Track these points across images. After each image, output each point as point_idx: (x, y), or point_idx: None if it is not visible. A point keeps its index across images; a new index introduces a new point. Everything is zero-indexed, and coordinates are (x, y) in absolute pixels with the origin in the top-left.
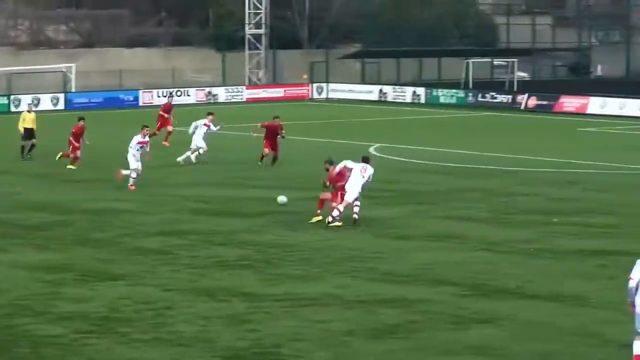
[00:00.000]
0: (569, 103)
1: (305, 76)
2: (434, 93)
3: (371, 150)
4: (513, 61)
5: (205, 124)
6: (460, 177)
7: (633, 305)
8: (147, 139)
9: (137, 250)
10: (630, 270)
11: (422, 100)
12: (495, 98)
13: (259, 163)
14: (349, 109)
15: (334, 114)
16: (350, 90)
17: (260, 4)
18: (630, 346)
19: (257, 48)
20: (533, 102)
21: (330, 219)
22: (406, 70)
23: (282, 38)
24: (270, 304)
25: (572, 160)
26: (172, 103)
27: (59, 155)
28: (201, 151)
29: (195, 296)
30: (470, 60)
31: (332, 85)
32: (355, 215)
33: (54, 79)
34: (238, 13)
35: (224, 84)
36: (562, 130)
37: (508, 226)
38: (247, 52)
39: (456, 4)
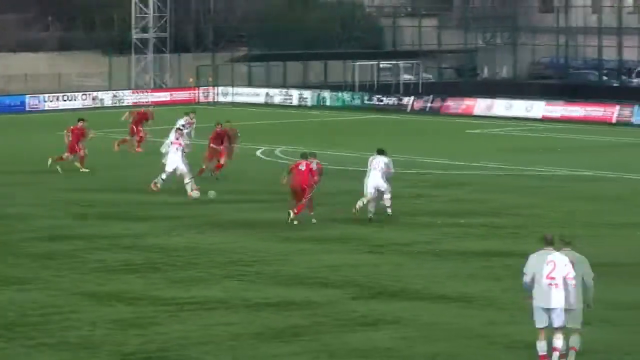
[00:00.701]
0: (456, 105)
1: (191, 80)
2: (321, 96)
3: (257, 153)
4: (399, 64)
5: (189, 122)
6: (346, 179)
7: (531, 298)
8: (180, 140)
9: (23, 255)
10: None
11: (309, 103)
12: (382, 100)
13: (215, 175)
14: (236, 113)
15: (220, 118)
16: (236, 94)
17: (147, 8)
18: (534, 347)
19: (143, 52)
20: (419, 104)
21: (370, 215)
22: (293, 74)
23: (169, 42)
24: (156, 308)
25: (458, 162)
26: (149, 111)
27: (51, 160)
28: (187, 149)
29: (80, 301)
30: (357, 63)
31: (218, 89)
32: (389, 210)
33: None
34: (125, 17)
35: (110, 88)
36: (449, 132)
37: (393, 228)
38: (133, 56)
39: (342, 7)
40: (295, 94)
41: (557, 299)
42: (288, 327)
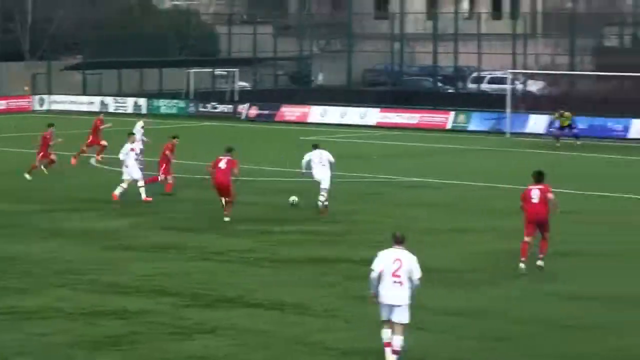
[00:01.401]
0: (290, 112)
1: (26, 88)
2: (155, 103)
3: (92, 162)
4: (234, 71)
5: (142, 127)
6: (181, 188)
7: (376, 296)
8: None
9: None
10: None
11: (144, 111)
12: (217, 108)
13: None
14: (70, 121)
15: (55, 126)
16: (72, 102)
17: None
18: (370, 352)
19: None
20: (254, 111)
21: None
22: (128, 81)
23: (3, 49)
24: None
25: (293, 169)
26: (102, 119)
27: (28, 174)
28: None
29: None
30: (192, 71)
31: (53, 97)
32: (323, 203)
33: None
34: None
35: None
36: (284, 139)
37: (228, 235)
38: None
39: (178, 15)
40: (130, 101)
41: (400, 297)
42: (125, 334)
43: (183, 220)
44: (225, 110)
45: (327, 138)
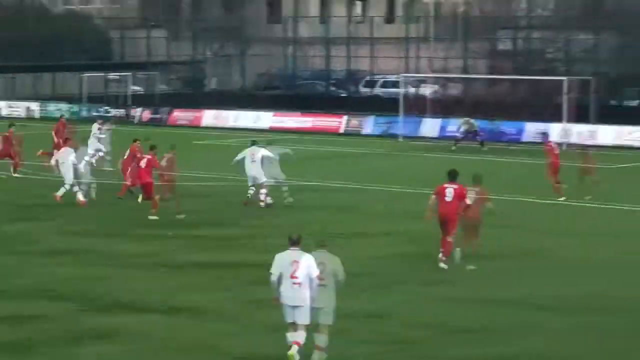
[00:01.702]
0: (183, 116)
1: None
2: (49, 108)
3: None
4: (127, 75)
5: (99, 128)
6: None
7: (278, 298)
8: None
9: None
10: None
11: (37, 115)
12: (109, 112)
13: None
14: None
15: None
16: None
17: None
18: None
19: None
20: (147, 115)
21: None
22: (22, 86)
23: None
24: None
25: (187, 173)
26: (65, 121)
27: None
28: (101, 154)
29: None
30: (85, 75)
31: None
32: (261, 203)
33: None
34: None
35: None
36: (177, 143)
37: (127, 240)
38: None
39: (71, 19)
40: (22, 106)
41: (300, 298)
42: (19, 340)
43: (82, 225)
44: (118, 114)
45: (221, 142)
